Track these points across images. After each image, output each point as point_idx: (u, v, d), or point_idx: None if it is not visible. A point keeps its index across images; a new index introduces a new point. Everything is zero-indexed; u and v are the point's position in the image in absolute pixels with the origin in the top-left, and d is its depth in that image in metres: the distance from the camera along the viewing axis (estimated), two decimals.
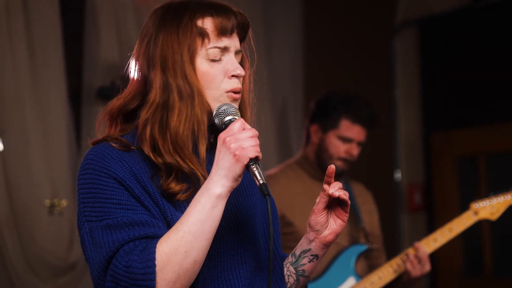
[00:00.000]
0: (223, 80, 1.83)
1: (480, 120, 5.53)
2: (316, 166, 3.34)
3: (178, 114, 1.79)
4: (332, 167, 1.82)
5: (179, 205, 1.80)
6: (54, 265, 3.87)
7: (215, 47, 1.82)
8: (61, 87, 4.06)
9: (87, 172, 1.79)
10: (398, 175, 5.93)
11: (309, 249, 1.95)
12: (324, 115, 3.32)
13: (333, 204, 1.88)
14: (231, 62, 1.84)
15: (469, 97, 5.64)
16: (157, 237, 1.71)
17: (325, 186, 1.85)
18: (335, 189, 1.84)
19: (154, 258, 1.67)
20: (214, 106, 1.82)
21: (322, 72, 5.47)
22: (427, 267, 3.22)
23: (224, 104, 1.81)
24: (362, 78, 5.67)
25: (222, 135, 1.72)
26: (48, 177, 3.92)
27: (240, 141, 1.70)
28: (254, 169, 1.71)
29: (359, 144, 3.32)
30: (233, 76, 1.84)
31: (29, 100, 3.93)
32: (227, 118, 1.80)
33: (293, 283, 2.00)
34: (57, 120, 4.03)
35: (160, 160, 1.79)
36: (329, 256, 3.26)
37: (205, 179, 1.77)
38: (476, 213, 3.32)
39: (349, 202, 1.87)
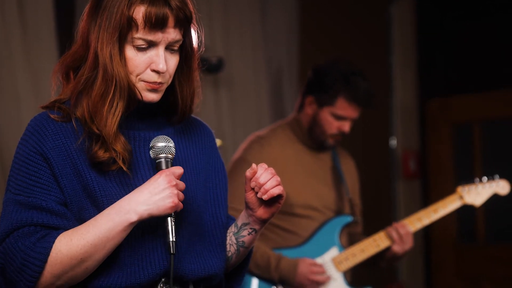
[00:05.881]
0: (144, 70, 1.82)
1: (476, 87, 5.51)
2: (307, 134, 3.34)
3: (98, 88, 1.80)
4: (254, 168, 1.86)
5: (112, 176, 1.82)
6: None
7: (141, 38, 1.80)
8: (52, 52, 4.04)
9: (22, 143, 1.84)
10: (393, 141, 5.92)
11: (248, 223, 1.96)
12: (321, 89, 3.28)
13: None
14: (156, 56, 1.81)
15: (465, 64, 5.61)
16: (59, 228, 1.76)
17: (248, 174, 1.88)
18: (267, 186, 1.85)
19: (48, 253, 1.73)
20: (136, 90, 1.82)
21: (317, 37, 5.42)
22: (410, 244, 3.26)
23: (160, 140, 1.82)
24: (358, 44, 5.63)
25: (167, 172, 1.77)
26: None
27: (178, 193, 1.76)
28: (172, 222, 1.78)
29: (353, 120, 3.32)
30: (153, 70, 1.82)
31: (21, 65, 3.91)
32: (162, 155, 1.81)
33: (234, 253, 2.01)
34: (49, 86, 4.01)
35: (86, 128, 1.82)
36: (315, 225, 3.27)
37: (116, 152, 1.80)
38: (461, 197, 3.37)
39: (284, 195, 1.88)
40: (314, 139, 3.33)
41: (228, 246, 2.01)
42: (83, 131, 1.82)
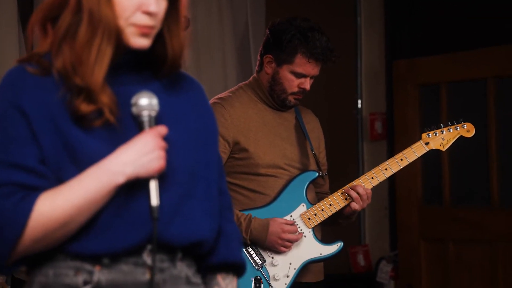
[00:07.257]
0: (134, 13, 1.68)
1: (443, 48, 5.49)
2: (268, 93, 3.31)
3: (83, 34, 1.66)
4: None
5: (95, 133, 1.68)
6: None
7: None
8: (12, 12, 3.96)
9: None
10: (359, 103, 5.90)
11: None
12: (278, 47, 3.23)
13: None
14: None
15: (432, 25, 5.59)
16: (39, 189, 1.63)
17: None
18: None
19: (29, 215, 1.60)
20: (124, 36, 1.70)
21: None
22: (369, 201, 3.29)
23: (143, 97, 1.70)
24: (325, 5, 5.59)
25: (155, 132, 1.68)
26: None
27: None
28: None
29: (313, 77, 3.28)
30: (145, 12, 1.68)
31: None
32: (145, 112, 1.69)
33: None
34: (9, 47, 3.94)
35: (68, 80, 1.67)
36: (282, 182, 3.26)
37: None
38: (427, 143, 3.35)
39: None
40: (275, 98, 3.29)
41: None
42: (64, 84, 1.68)
